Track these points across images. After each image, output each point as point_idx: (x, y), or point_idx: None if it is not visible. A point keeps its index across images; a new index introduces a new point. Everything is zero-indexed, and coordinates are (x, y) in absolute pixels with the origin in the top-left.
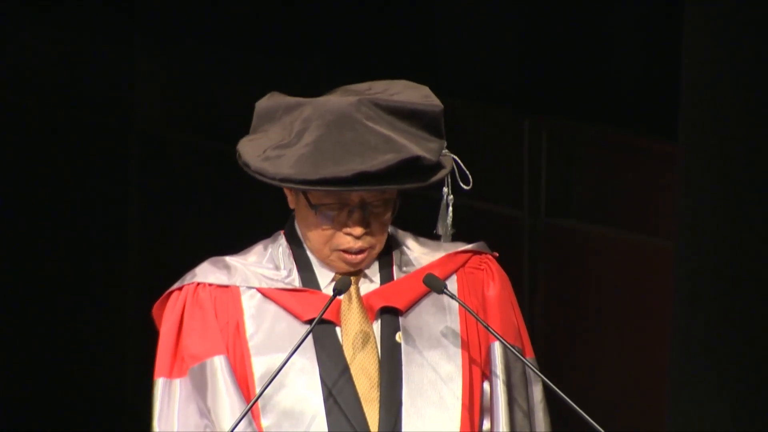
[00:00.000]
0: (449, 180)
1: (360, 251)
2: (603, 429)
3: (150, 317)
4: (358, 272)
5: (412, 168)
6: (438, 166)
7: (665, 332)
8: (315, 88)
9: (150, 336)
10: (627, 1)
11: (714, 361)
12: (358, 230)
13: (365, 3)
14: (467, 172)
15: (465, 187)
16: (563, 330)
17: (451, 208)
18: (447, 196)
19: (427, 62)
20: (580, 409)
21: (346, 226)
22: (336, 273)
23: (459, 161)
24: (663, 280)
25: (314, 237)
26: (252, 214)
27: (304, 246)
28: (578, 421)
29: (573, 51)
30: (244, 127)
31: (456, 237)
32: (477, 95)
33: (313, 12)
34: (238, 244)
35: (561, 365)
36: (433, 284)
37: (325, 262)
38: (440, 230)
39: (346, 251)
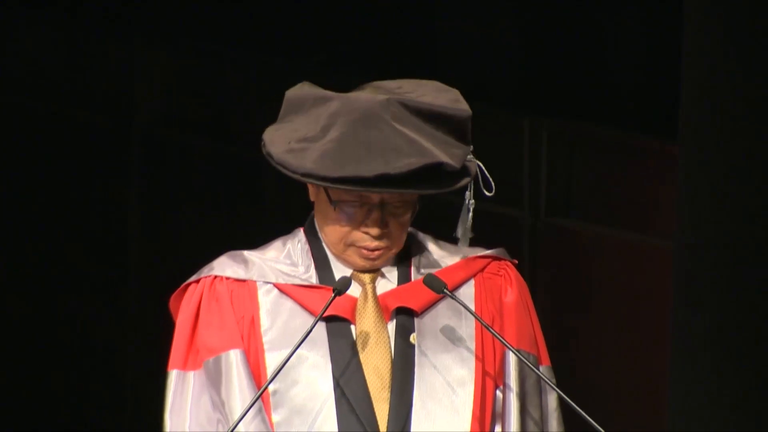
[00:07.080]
0: (472, 185)
1: (376, 249)
2: (603, 429)
3: (149, 317)
4: (375, 271)
5: (435, 173)
6: (461, 172)
7: (665, 332)
8: None
9: (149, 336)
10: (627, 2)
11: (714, 360)
12: (375, 230)
13: (365, 3)
14: (490, 180)
15: (488, 193)
16: (563, 329)
17: (471, 213)
18: (468, 201)
19: (427, 62)
20: (580, 408)
21: (365, 225)
22: (353, 270)
23: (483, 168)
24: (663, 280)
25: (331, 232)
26: (252, 213)
27: (323, 243)
28: (578, 421)
29: (573, 51)
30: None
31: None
32: (477, 95)
33: (313, 12)
34: (238, 244)
35: (561, 365)
36: (433, 284)
37: (341, 257)
38: (459, 234)
39: (363, 247)
